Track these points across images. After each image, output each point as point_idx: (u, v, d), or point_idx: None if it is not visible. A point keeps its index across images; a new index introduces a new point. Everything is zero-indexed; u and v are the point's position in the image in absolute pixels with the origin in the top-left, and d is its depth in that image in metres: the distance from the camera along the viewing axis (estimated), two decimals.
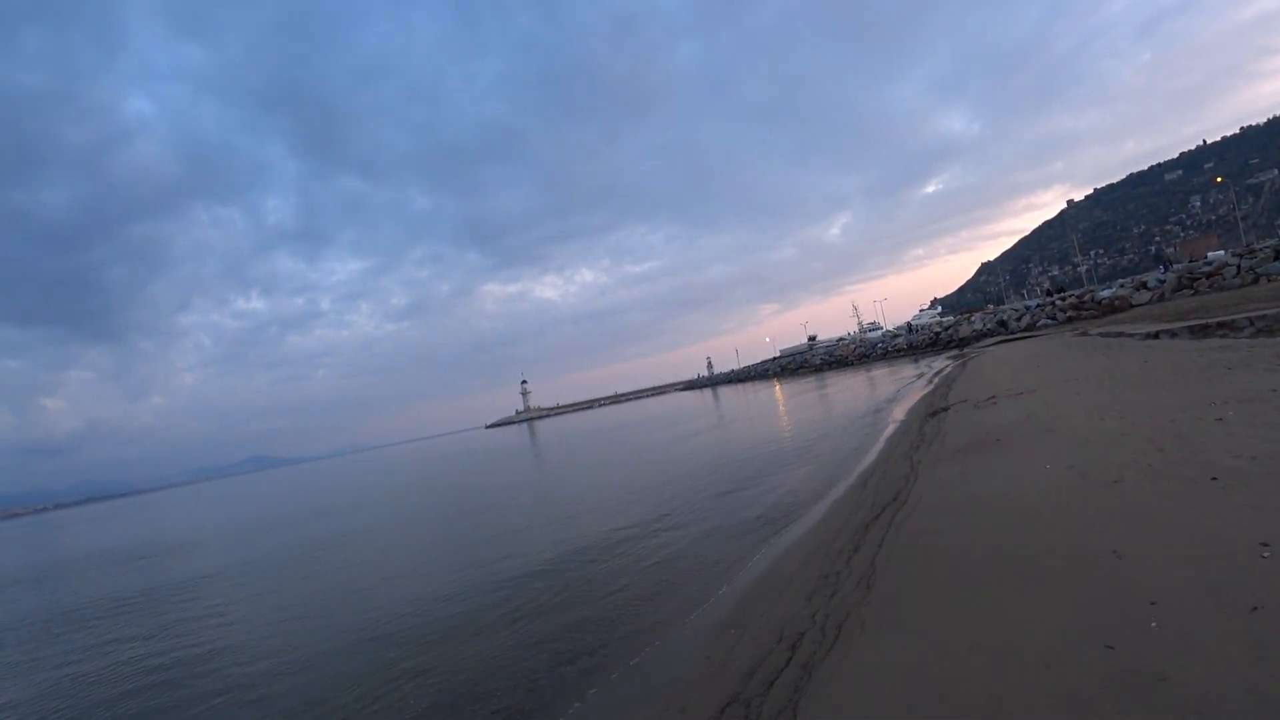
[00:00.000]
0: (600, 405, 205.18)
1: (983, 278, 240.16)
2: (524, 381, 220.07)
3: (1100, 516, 4.93)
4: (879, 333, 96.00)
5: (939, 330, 64.74)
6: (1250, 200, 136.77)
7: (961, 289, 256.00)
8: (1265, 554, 3.75)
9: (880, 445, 12.67)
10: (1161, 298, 38.94)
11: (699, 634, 5.53)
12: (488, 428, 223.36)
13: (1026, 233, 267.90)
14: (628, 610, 6.70)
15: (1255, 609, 3.26)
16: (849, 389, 35.22)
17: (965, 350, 43.37)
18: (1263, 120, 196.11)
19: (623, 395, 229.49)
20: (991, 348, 36.88)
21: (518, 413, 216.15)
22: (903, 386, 27.51)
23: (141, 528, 38.00)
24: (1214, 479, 5.12)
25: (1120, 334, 23.58)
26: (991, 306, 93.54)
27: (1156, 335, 19.90)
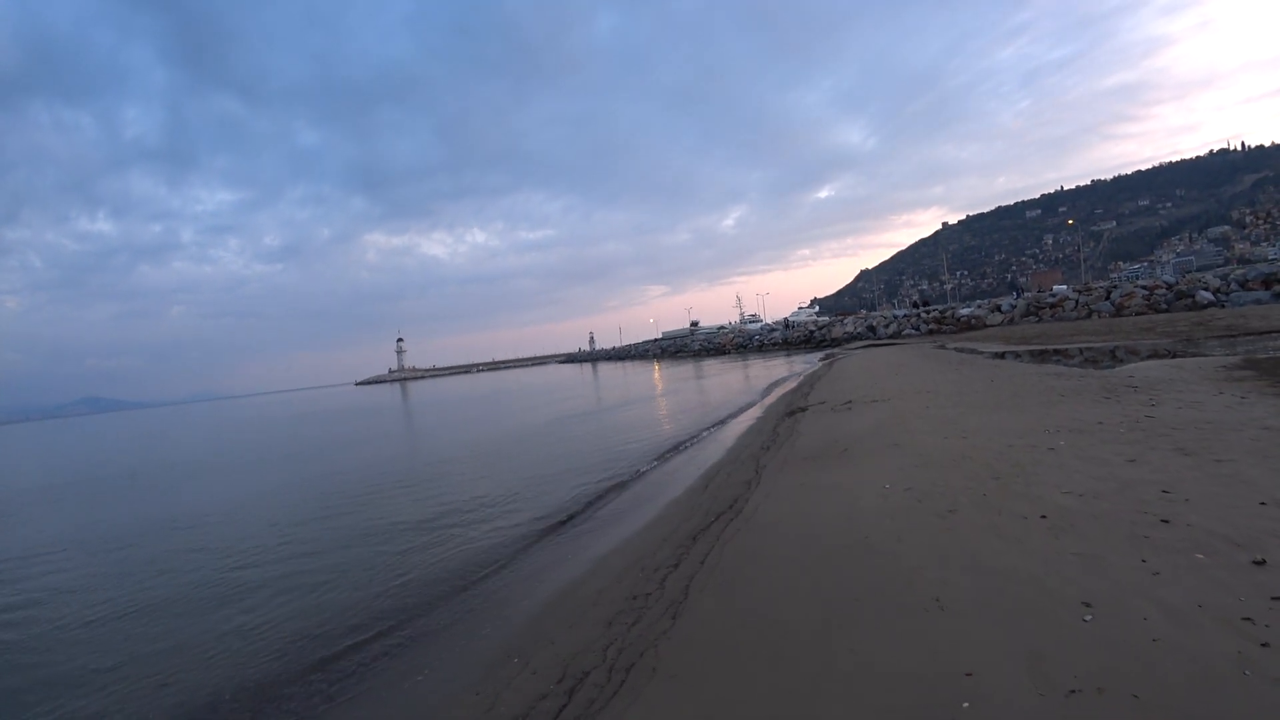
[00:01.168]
0: (478, 371, 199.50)
1: (860, 284, 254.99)
2: (400, 340, 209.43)
3: (930, 554, 4.53)
4: (758, 325, 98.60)
5: (814, 329, 67.10)
6: (1092, 244, 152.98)
7: (840, 292, 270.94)
8: (1087, 617, 3.42)
9: (731, 443, 12.28)
10: (1011, 321, 42.24)
11: (483, 661, 4.68)
12: (358, 384, 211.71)
13: (904, 247, 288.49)
14: (423, 628, 5.68)
15: (1073, 692, 2.84)
16: (723, 378, 35.57)
17: (835, 351, 45.11)
18: (1109, 177, 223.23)
19: (502, 363, 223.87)
20: (859, 351, 38.47)
21: (390, 371, 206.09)
22: (771, 381, 27.90)
23: None
24: (1043, 517, 4.89)
25: (973, 350, 24.99)
26: (865, 312, 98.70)
27: (1003, 355, 21.11)
